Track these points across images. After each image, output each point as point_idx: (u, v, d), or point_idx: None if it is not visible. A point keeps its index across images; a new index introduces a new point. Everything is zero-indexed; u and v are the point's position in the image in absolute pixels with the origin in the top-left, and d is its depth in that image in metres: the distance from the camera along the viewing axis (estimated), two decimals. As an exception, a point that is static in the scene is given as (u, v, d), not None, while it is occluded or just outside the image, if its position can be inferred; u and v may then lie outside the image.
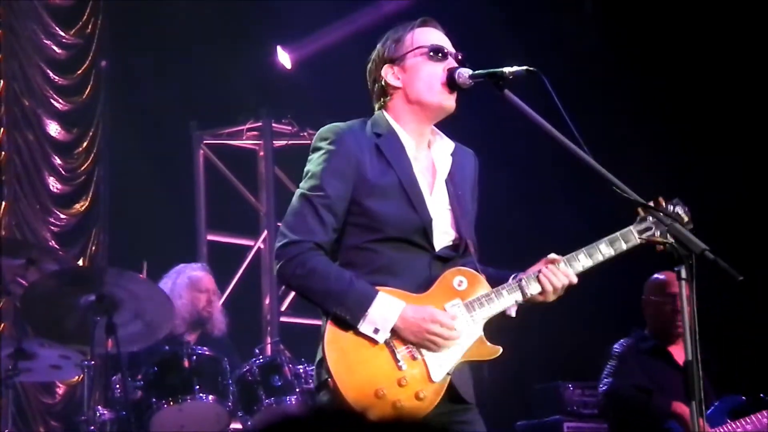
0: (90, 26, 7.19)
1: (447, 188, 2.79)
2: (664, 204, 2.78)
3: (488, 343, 2.68)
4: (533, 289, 2.69)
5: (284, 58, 7.39)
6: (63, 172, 7.02)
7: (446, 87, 2.76)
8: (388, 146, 2.74)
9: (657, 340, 4.68)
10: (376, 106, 2.85)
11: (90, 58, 7.18)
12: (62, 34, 7.08)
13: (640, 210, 2.77)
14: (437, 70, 2.77)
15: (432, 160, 2.81)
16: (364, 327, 2.59)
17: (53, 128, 7.01)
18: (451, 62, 2.79)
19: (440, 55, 2.79)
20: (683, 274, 2.50)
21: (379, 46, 2.86)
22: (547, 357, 6.60)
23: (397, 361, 2.60)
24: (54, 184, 6.96)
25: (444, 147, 2.84)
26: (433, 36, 2.83)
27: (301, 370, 4.84)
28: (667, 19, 6.45)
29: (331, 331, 2.62)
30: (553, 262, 2.71)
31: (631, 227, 2.76)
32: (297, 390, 4.77)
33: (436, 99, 2.77)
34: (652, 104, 6.57)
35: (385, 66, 2.81)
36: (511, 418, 5.83)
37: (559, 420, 5.52)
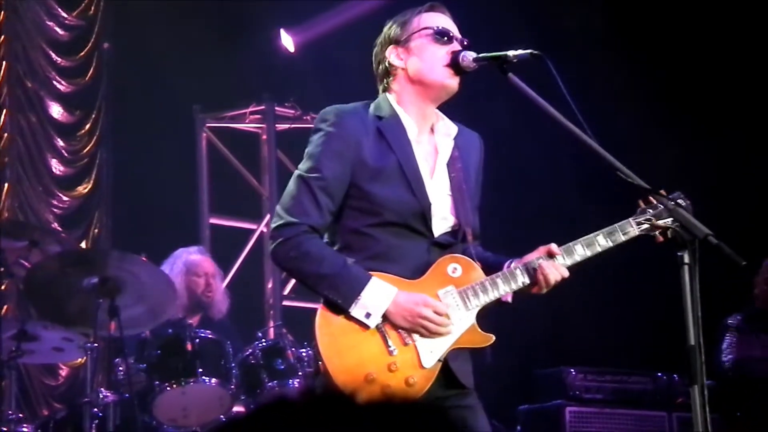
0: (93, 8, 7.17)
1: (448, 173, 2.77)
2: (665, 194, 2.74)
3: (481, 331, 2.68)
4: (527, 279, 2.69)
5: (287, 41, 7.36)
6: (66, 155, 7.01)
7: (449, 68, 2.75)
8: (389, 129, 2.73)
9: (766, 318, 4.81)
10: (380, 88, 2.84)
11: (93, 40, 7.16)
12: (65, 15, 7.05)
13: (640, 202, 2.76)
14: (441, 52, 2.76)
15: (435, 144, 2.80)
16: (356, 311, 2.59)
17: (56, 110, 7.00)
18: (455, 46, 2.78)
19: (445, 38, 2.78)
20: (686, 259, 2.50)
21: (385, 29, 2.86)
22: (550, 342, 6.61)
23: (388, 346, 2.60)
24: (56, 167, 6.96)
25: (447, 131, 2.82)
26: (440, 20, 2.82)
27: (304, 354, 4.84)
28: (671, 10, 6.42)
29: (322, 315, 2.63)
30: (550, 252, 2.69)
31: (630, 219, 2.75)
32: (300, 373, 4.78)
33: (439, 78, 2.76)
34: (656, 92, 6.55)
35: (390, 47, 2.80)
36: (514, 403, 5.84)
37: (562, 404, 5.53)
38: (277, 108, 7.41)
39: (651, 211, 2.73)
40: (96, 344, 4.43)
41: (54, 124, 6.98)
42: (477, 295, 2.67)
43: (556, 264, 2.69)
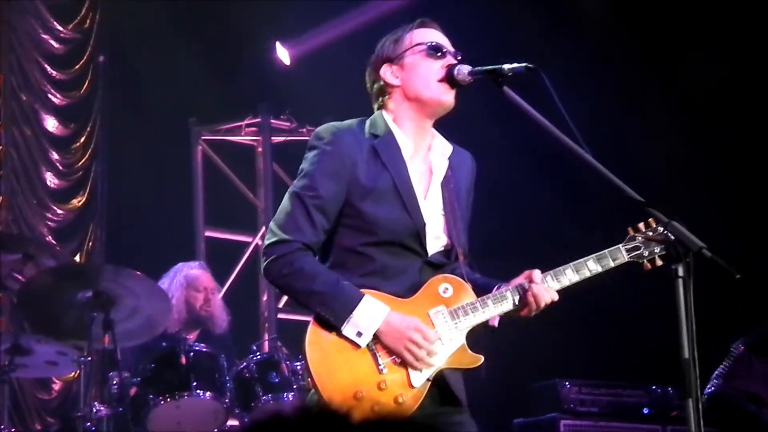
0: (88, 21, 7.18)
1: (442, 193, 2.78)
2: (653, 225, 2.75)
3: (470, 352, 2.68)
4: (517, 302, 2.69)
5: (283, 54, 7.38)
6: (60, 168, 7.01)
7: (444, 83, 2.75)
8: (384, 148, 2.73)
9: None
10: (375, 107, 2.84)
11: (88, 53, 7.16)
12: (60, 28, 7.06)
13: (630, 229, 2.77)
14: (435, 67, 2.77)
15: (429, 163, 2.80)
16: (347, 330, 2.59)
17: (51, 123, 7.00)
18: (449, 60, 2.78)
19: (439, 53, 2.78)
20: (680, 272, 2.50)
21: (377, 47, 2.86)
22: (545, 355, 6.60)
23: (378, 364, 2.60)
24: (51, 180, 6.95)
25: (443, 150, 2.83)
26: (432, 35, 2.83)
27: (299, 367, 4.83)
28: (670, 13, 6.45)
29: (313, 331, 2.63)
30: (531, 279, 2.69)
31: (620, 245, 2.77)
32: (294, 387, 4.76)
33: (435, 95, 2.76)
34: (653, 97, 6.56)
35: (384, 65, 2.81)
36: (509, 416, 5.83)
37: (556, 417, 5.52)
38: (272, 121, 7.41)
39: (639, 238, 2.74)
40: (90, 358, 4.42)
41: (49, 137, 6.98)
42: (467, 315, 2.67)
43: (546, 287, 2.70)
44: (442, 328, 2.65)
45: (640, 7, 6.52)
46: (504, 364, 6.02)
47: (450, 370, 2.66)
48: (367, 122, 2.79)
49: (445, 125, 2.89)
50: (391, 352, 2.61)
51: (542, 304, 2.69)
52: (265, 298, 7.24)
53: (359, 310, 2.58)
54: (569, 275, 2.73)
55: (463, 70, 2.75)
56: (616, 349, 6.36)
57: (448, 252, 2.74)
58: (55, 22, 7.03)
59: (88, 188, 7.08)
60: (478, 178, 2.91)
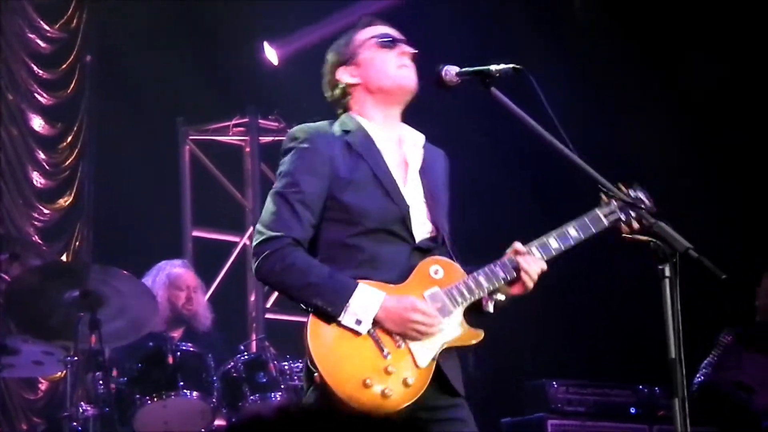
0: (75, 21, 7.15)
1: (421, 181, 2.81)
2: (625, 189, 2.83)
3: (470, 328, 2.70)
4: (508, 275, 2.71)
5: (271, 54, 7.37)
6: (47, 167, 6.98)
7: (404, 68, 2.81)
8: (357, 141, 2.76)
9: (765, 333, 4.46)
10: (339, 111, 2.87)
11: (75, 52, 7.13)
12: (47, 28, 7.02)
13: (603, 196, 2.80)
14: (391, 56, 2.82)
15: (404, 155, 2.83)
16: (346, 319, 2.59)
17: (37, 123, 6.97)
18: (403, 47, 2.84)
19: (390, 41, 2.84)
20: (667, 273, 2.51)
21: (328, 56, 2.92)
22: (533, 355, 6.62)
23: (381, 350, 2.61)
24: (38, 179, 6.92)
25: (415, 140, 2.86)
26: (379, 29, 2.89)
27: (286, 367, 4.83)
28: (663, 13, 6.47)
29: (313, 328, 2.62)
30: (517, 252, 2.72)
31: (597, 210, 2.79)
32: (282, 387, 4.76)
33: (396, 81, 2.82)
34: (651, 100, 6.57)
35: (339, 69, 2.86)
36: (497, 415, 5.84)
37: (544, 417, 5.54)
38: (260, 121, 7.40)
39: (614, 203, 2.78)
40: (76, 358, 4.40)
41: (35, 136, 6.95)
42: (462, 293, 2.69)
43: (534, 258, 2.71)
44: (439, 308, 2.66)
45: (640, 6, 6.54)
46: (492, 364, 6.05)
47: (446, 356, 2.67)
48: (336, 123, 2.82)
49: (424, 122, 2.91)
50: (392, 336, 2.62)
51: (533, 275, 2.70)
52: (252, 298, 7.23)
53: (355, 298, 2.59)
54: (553, 244, 2.75)
55: (451, 71, 2.77)
56: (603, 349, 6.39)
57: (434, 238, 2.76)
58: (41, 22, 7.00)
59: (75, 188, 7.05)
60: (455, 176, 2.94)
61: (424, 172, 2.82)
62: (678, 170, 6.22)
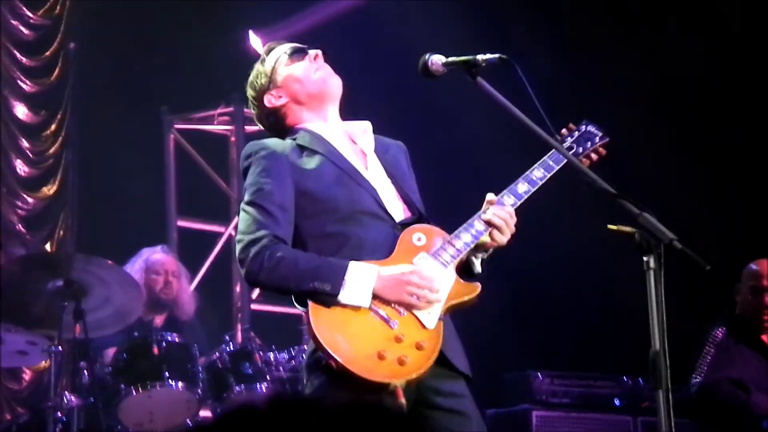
0: (58, 7, 7.09)
1: (381, 164, 2.86)
2: (574, 127, 2.99)
3: (465, 282, 2.74)
4: (483, 225, 2.75)
5: (256, 43, 7.34)
6: (30, 155, 6.93)
7: (322, 68, 2.89)
8: (308, 141, 2.83)
9: (748, 327, 4.51)
10: (279, 134, 2.91)
11: (58, 39, 7.08)
12: (30, 15, 6.97)
13: (563, 131, 2.95)
14: (305, 65, 2.90)
15: (359, 147, 2.88)
16: (345, 296, 2.60)
17: (20, 110, 6.92)
18: (312, 52, 2.92)
19: (299, 51, 2.92)
20: (652, 264, 2.51)
21: (248, 94, 2.97)
22: (517, 346, 6.63)
23: (386, 321, 2.63)
24: (21, 167, 6.87)
25: (363, 128, 2.91)
26: (282, 47, 2.96)
27: (272, 358, 4.83)
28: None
29: (315, 317, 2.62)
30: (491, 202, 2.78)
31: (557, 145, 2.82)
32: (267, 377, 4.76)
33: (321, 84, 2.89)
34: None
35: (264, 97, 2.91)
36: (481, 407, 5.84)
37: (528, 409, 5.55)
38: (246, 110, 7.36)
39: (570, 139, 2.94)
40: (60, 348, 4.38)
41: (18, 124, 6.90)
42: (448, 251, 2.73)
43: (506, 202, 2.78)
44: (431, 270, 2.69)
45: (639, 5, 6.55)
46: (476, 355, 6.05)
47: (445, 337, 2.68)
48: (286, 138, 2.88)
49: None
50: (392, 306, 2.64)
51: (507, 222, 2.74)
52: (238, 289, 7.22)
53: (350, 274, 2.61)
54: (522, 187, 2.81)
55: (438, 62, 2.76)
56: (587, 340, 6.40)
57: (411, 215, 2.81)
58: (24, 9, 6.94)
59: (58, 176, 7.01)
60: (417, 164, 2.98)
61: (380, 155, 2.88)
62: (675, 169, 6.23)
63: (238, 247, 2.70)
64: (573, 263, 6.17)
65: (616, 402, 5.69)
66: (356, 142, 2.89)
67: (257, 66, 2.99)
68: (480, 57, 2.71)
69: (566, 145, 2.92)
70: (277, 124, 2.93)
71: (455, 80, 2.77)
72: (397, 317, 2.64)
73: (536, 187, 2.82)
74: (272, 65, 2.93)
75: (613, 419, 5.67)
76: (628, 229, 2.70)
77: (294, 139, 2.84)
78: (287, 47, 2.95)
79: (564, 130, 2.96)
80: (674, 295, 2.57)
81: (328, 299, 2.61)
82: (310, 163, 2.78)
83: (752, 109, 6.27)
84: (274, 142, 2.84)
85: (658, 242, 2.52)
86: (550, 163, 2.84)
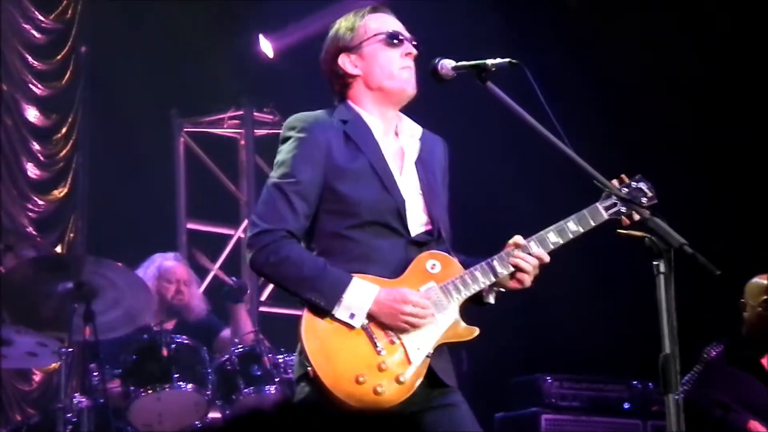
0: (70, 11, 7.12)
1: (417, 172, 2.80)
2: (627, 180, 2.85)
3: (465, 324, 2.70)
4: (505, 270, 2.70)
5: (266, 46, 7.35)
6: (41, 158, 6.96)
7: (406, 69, 2.79)
8: (355, 131, 2.76)
9: (751, 350, 4.40)
10: (337, 97, 2.85)
11: (70, 43, 7.11)
12: (41, 18, 7.00)
13: (614, 181, 2.80)
14: (395, 55, 2.80)
15: (400, 145, 2.83)
16: (340, 312, 2.59)
17: (32, 113, 6.94)
18: (408, 47, 2.82)
19: (396, 40, 2.81)
20: (662, 269, 2.51)
21: (331, 34, 2.86)
22: (527, 350, 6.63)
23: (375, 345, 2.61)
24: (32, 170, 6.90)
25: (412, 131, 2.86)
26: (387, 21, 2.85)
27: (281, 360, 4.83)
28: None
29: (307, 321, 2.63)
30: (517, 245, 2.73)
31: (598, 204, 2.79)
32: (276, 380, 4.76)
33: (398, 85, 2.80)
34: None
35: (342, 55, 2.82)
36: (490, 410, 5.85)
37: (538, 412, 5.55)
38: (255, 113, 7.39)
39: (614, 197, 2.77)
40: (70, 349, 4.40)
41: (30, 127, 6.92)
42: (458, 289, 2.69)
43: (534, 251, 2.71)
44: (435, 304, 2.66)
45: (638, 5, 6.54)
46: (485, 359, 6.06)
47: (437, 352, 2.66)
48: (334, 111, 2.81)
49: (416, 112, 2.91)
50: (386, 331, 2.62)
51: (529, 269, 2.69)
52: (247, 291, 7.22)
53: (349, 292, 2.59)
54: (552, 238, 2.74)
55: (447, 65, 2.76)
56: (596, 344, 6.39)
57: (430, 231, 2.76)
58: (36, 12, 6.97)
59: (69, 179, 7.03)
60: (455, 166, 2.94)
61: (421, 162, 2.82)
62: (676, 169, 6.22)
63: (250, 228, 2.70)
64: (582, 267, 6.16)
65: (626, 406, 5.68)
66: (401, 141, 2.82)
67: (356, 17, 2.84)
68: (489, 61, 2.70)
69: (611, 201, 2.76)
70: (337, 83, 2.84)
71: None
72: (386, 344, 2.61)
73: (567, 240, 2.75)
74: (366, 34, 2.81)
75: (622, 423, 5.66)
76: (638, 233, 2.70)
77: (344, 122, 2.76)
78: (389, 26, 2.82)
79: (615, 181, 2.81)
80: (684, 298, 2.57)
81: (324, 310, 2.61)
82: (348, 159, 2.71)
83: (752, 109, 6.26)
84: (320, 121, 2.75)
85: (668, 246, 2.52)
86: (587, 217, 2.75)
